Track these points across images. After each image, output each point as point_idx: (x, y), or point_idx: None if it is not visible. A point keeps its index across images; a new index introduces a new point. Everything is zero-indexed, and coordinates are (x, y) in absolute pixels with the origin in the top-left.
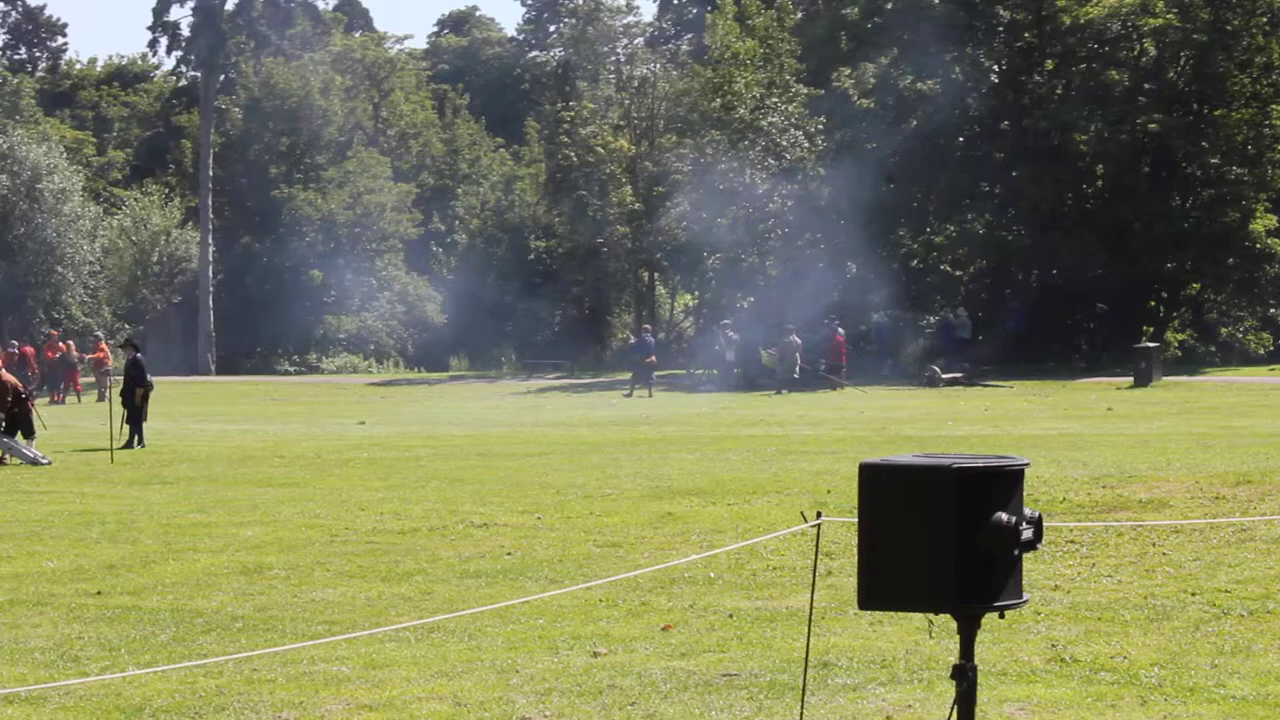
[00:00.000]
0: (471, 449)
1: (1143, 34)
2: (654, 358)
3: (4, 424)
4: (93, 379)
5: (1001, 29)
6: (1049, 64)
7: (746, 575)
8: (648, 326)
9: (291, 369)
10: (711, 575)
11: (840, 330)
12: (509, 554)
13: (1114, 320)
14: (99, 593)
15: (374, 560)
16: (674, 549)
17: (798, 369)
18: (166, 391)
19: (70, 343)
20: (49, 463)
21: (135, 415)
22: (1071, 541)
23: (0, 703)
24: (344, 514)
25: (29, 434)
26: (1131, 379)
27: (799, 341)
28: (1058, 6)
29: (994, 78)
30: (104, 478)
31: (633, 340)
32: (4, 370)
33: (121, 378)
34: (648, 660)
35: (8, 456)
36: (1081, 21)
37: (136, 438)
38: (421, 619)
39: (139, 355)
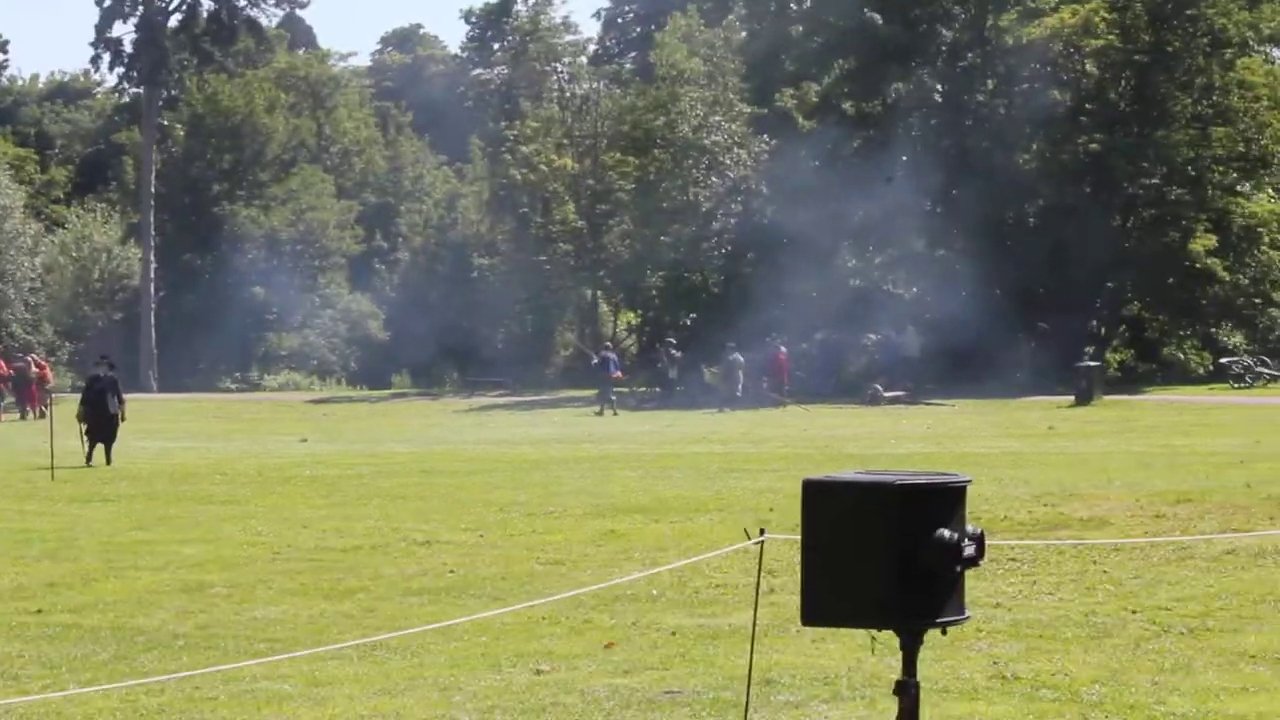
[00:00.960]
0: (414, 466)
1: (1084, 55)
2: (619, 374)
3: None
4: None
5: (944, 49)
6: (991, 84)
7: (689, 593)
8: (608, 344)
9: (233, 386)
10: (654, 593)
11: (782, 348)
12: (452, 571)
13: (1055, 339)
14: (39, 611)
15: (316, 578)
16: (617, 566)
17: (740, 387)
18: None
19: (32, 357)
20: None
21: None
22: (1013, 559)
23: None
24: (286, 531)
25: None
26: (1073, 398)
27: (741, 359)
28: (1000, 27)
29: (937, 97)
30: (44, 495)
31: (595, 359)
32: None
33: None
34: (590, 678)
35: None
36: (1024, 42)
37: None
38: (364, 637)
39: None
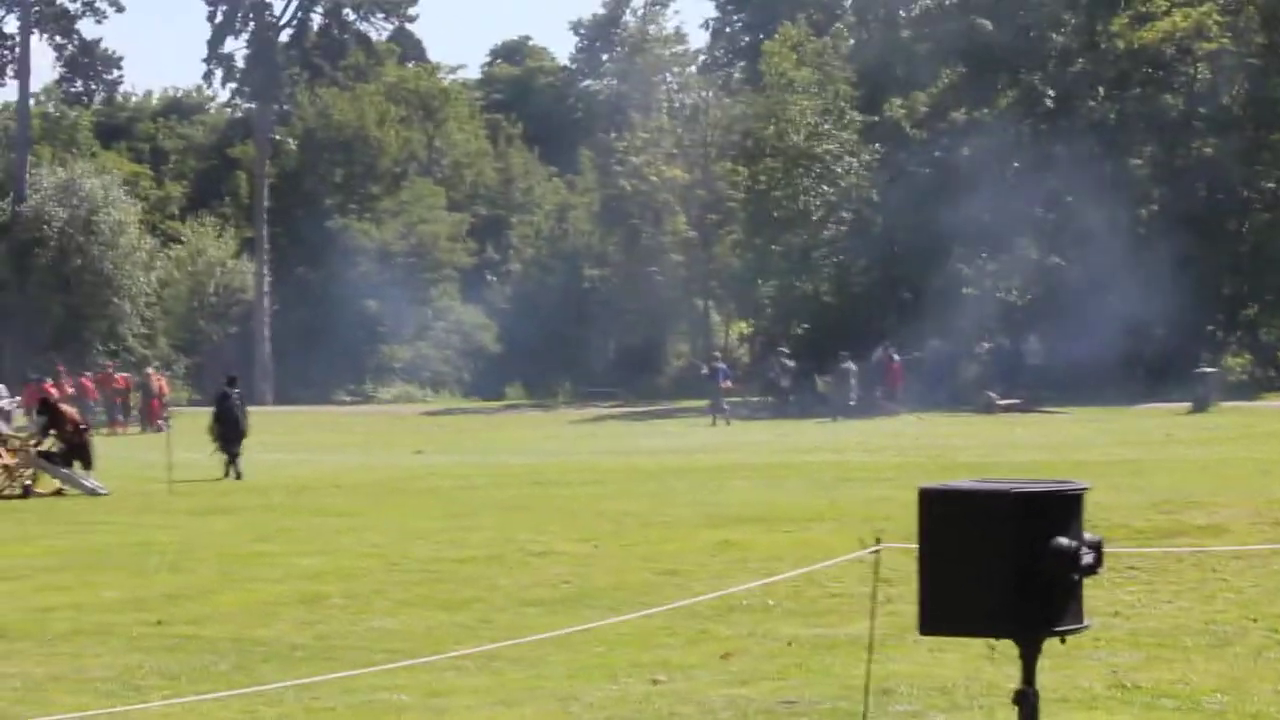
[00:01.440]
0: (528, 477)
1: (1197, 58)
2: (729, 384)
3: (62, 455)
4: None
5: (1054, 55)
6: (1102, 89)
7: (805, 602)
8: (717, 354)
9: (347, 399)
10: (770, 602)
11: (895, 356)
12: (567, 582)
13: (1172, 345)
14: (159, 622)
15: (433, 589)
16: (732, 576)
17: (853, 395)
18: None
19: (150, 371)
20: (107, 493)
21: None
22: (1131, 568)
23: None
24: (402, 543)
25: (87, 465)
26: (1190, 405)
27: (854, 368)
28: (1111, 32)
29: (1048, 103)
30: (162, 508)
31: (704, 370)
32: (63, 402)
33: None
34: (707, 688)
35: (66, 488)
36: (1135, 46)
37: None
38: (481, 647)
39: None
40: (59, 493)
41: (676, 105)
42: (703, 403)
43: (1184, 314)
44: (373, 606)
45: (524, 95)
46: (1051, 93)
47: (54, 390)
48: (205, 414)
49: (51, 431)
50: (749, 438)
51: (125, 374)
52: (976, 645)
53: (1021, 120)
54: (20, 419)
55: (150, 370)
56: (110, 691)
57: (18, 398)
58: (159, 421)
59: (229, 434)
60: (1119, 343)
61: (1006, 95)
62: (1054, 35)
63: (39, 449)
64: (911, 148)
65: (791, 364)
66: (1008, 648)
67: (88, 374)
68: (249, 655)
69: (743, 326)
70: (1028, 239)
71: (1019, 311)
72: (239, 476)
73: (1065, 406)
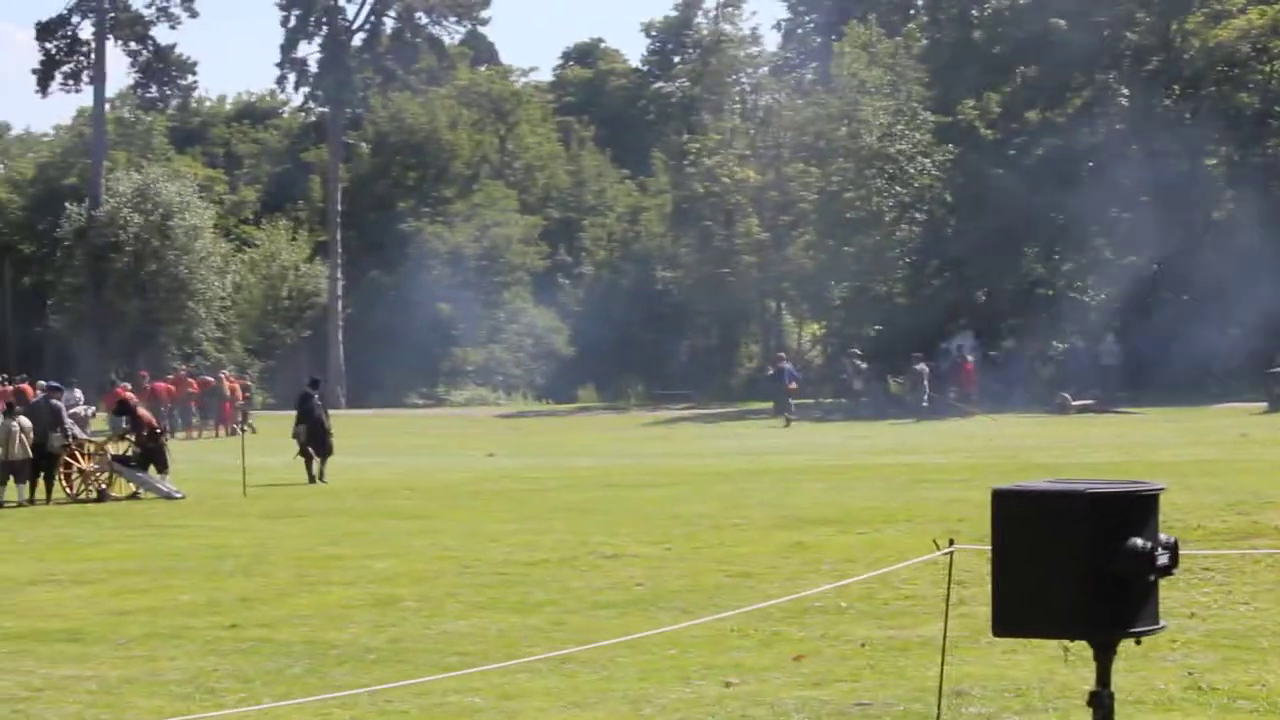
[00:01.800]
0: (600, 480)
1: (1272, 56)
2: (795, 385)
3: (138, 458)
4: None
5: (1129, 54)
6: (1177, 88)
7: (878, 604)
8: (782, 354)
9: (420, 402)
10: (843, 604)
11: (969, 357)
12: (639, 585)
13: (1248, 345)
14: (234, 625)
15: (505, 591)
16: (805, 578)
17: (926, 397)
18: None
19: (224, 373)
20: (182, 497)
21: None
22: (1207, 569)
23: None
24: (475, 545)
25: (163, 469)
26: (1266, 404)
27: (926, 369)
28: (1186, 30)
29: (1122, 102)
30: (236, 511)
31: (770, 371)
32: (140, 406)
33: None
34: (780, 690)
35: (142, 491)
36: (1210, 45)
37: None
38: (553, 650)
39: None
40: (134, 496)
41: (749, 107)
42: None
43: (1259, 313)
44: (445, 609)
45: (596, 97)
46: (1126, 92)
47: (132, 395)
48: (279, 417)
49: (129, 435)
50: (821, 440)
51: (198, 377)
52: (1050, 647)
53: (1095, 120)
54: (96, 423)
55: (223, 373)
56: (185, 695)
57: (91, 407)
58: (233, 425)
59: (312, 438)
60: (1195, 342)
61: (1081, 95)
62: (1128, 34)
63: (114, 454)
64: (984, 148)
65: (864, 365)
66: (1082, 649)
67: (166, 377)
68: (322, 658)
69: (815, 328)
70: (1103, 239)
71: (1094, 312)
72: (322, 479)
73: (1140, 407)
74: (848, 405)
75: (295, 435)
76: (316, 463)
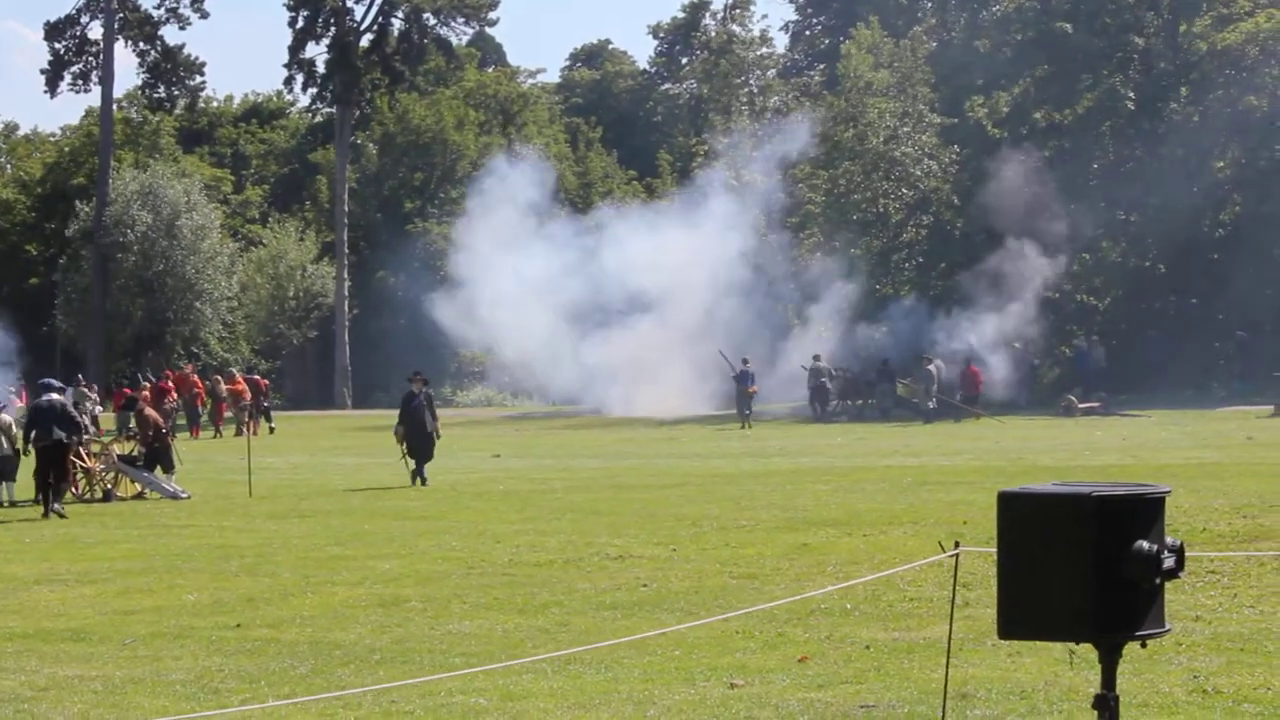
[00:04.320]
0: (606, 481)
1: None
2: (755, 388)
3: (144, 458)
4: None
5: (1136, 57)
6: (1184, 91)
7: (883, 606)
8: (746, 359)
9: None
10: (848, 606)
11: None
12: (645, 585)
13: (1253, 348)
14: (238, 625)
15: (510, 592)
16: (810, 580)
17: (933, 399)
18: (302, 425)
19: (218, 376)
20: (188, 497)
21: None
22: (1212, 572)
23: None
24: (480, 546)
25: (168, 469)
26: (1272, 407)
27: (934, 371)
28: (1194, 33)
29: (1129, 105)
30: (242, 511)
31: (734, 373)
32: (148, 406)
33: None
34: (784, 692)
35: (147, 491)
36: (1218, 47)
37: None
38: (558, 651)
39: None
40: (140, 496)
41: (757, 109)
42: (776, 407)
43: (1265, 316)
44: (450, 610)
45: (603, 99)
46: (1133, 95)
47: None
48: (285, 418)
49: (135, 435)
50: (827, 441)
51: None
52: (1055, 650)
53: (1103, 122)
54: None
55: (218, 376)
56: (189, 695)
57: (98, 408)
58: (241, 426)
59: (414, 439)
60: (1200, 345)
61: (1088, 98)
62: (1135, 38)
63: (120, 454)
64: (992, 150)
65: (835, 370)
66: (1087, 652)
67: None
68: (327, 659)
69: (821, 329)
70: (1109, 241)
71: (1100, 314)
72: (424, 482)
73: (1146, 409)
74: (854, 407)
75: (395, 433)
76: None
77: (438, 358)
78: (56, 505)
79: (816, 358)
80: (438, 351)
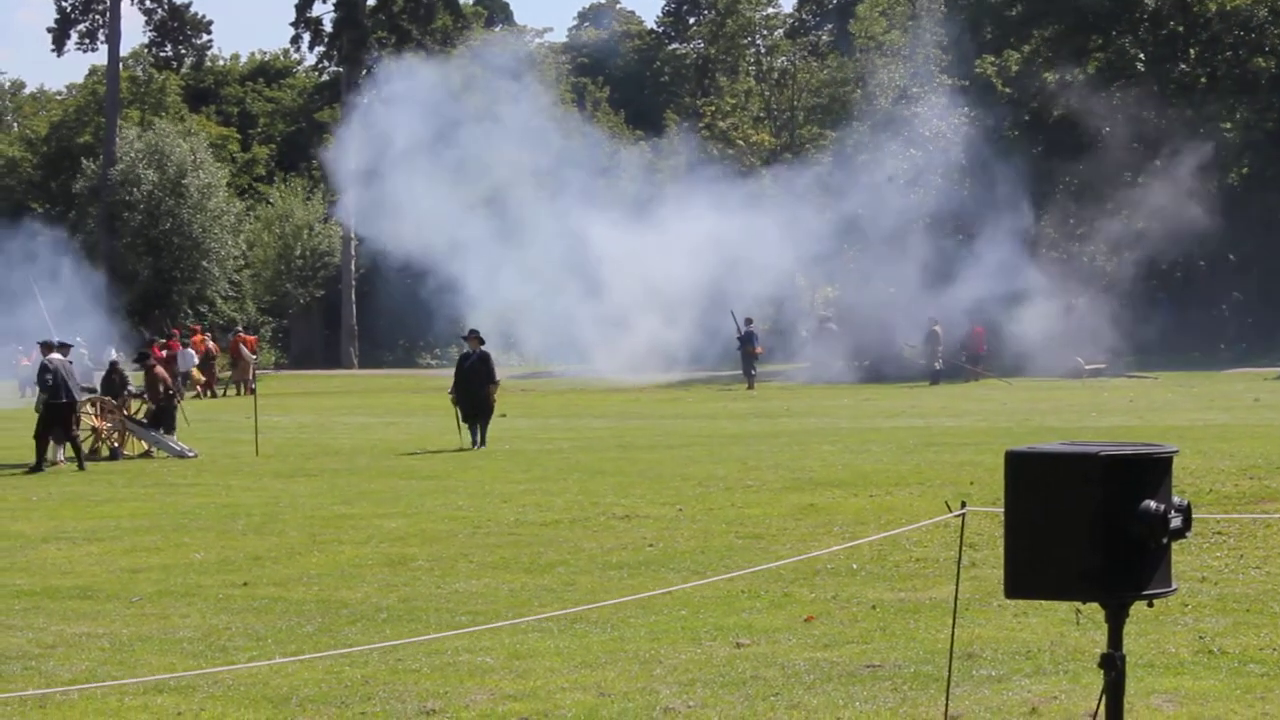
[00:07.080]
0: (613, 441)
1: None
2: (759, 348)
3: (149, 417)
4: (230, 374)
5: (1146, 17)
6: (1193, 52)
7: (889, 566)
8: (749, 319)
9: (433, 362)
10: (854, 566)
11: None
12: (651, 545)
13: (1261, 310)
14: (246, 584)
15: (516, 551)
16: (816, 540)
17: (939, 360)
18: (310, 385)
19: (207, 335)
20: (195, 456)
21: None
22: (1219, 533)
23: (150, 691)
24: (486, 506)
25: (170, 429)
26: (1278, 370)
27: (940, 332)
28: None
29: (1139, 65)
30: (249, 470)
31: (739, 334)
32: (158, 365)
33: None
34: (791, 651)
35: (155, 450)
36: (1228, 8)
37: (480, 436)
38: (564, 610)
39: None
40: (147, 454)
41: (764, 69)
42: (787, 366)
43: (1273, 278)
44: (457, 569)
45: (610, 59)
46: (1142, 55)
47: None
48: (289, 376)
49: (143, 394)
50: (834, 402)
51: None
52: (1062, 610)
53: (1112, 82)
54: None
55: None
56: (197, 652)
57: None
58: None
59: (466, 403)
60: (1207, 307)
61: (1097, 58)
62: None
63: (127, 413)
64: (1001, 111)
65: (835, 329)
66: (1094, 612)
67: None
68: (334, 617)
69: (829, 290)
70: (1116, 202)
71: (1107, 276)
72: (482, 443)
73: (1153, 371)
74: (860, 367)
75: (450, 394)
76: (467, 427)
77: (444, 318)
78: (62, 457)
79: (749, 321)
80: (444, 312)
